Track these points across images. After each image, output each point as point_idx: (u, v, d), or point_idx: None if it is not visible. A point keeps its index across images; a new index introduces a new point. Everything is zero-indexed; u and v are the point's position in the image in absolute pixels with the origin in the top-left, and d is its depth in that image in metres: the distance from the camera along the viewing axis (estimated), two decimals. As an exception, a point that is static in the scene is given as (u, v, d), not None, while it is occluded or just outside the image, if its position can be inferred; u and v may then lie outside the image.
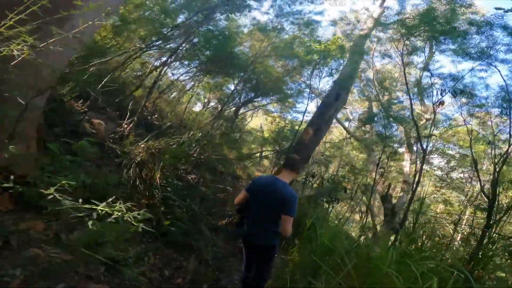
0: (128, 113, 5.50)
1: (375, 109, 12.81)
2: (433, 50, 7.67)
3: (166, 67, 10.19)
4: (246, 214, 2.48)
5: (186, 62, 10.10)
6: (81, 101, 5.51)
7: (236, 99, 12.85)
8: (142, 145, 4.87)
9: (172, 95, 11.67)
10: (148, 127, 6.96)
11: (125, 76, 8.50)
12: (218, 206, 5.22)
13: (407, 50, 5.93)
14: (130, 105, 5.53)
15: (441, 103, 5.11)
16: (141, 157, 4.47)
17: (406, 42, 5.57)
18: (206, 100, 14.83)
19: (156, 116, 8.00)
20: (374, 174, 9.98)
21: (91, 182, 3.19)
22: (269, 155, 11.83)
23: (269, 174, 2.80)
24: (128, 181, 4.08)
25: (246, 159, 10.02)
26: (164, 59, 10.31)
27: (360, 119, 12.18)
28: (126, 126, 5.62)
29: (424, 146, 6.41)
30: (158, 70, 10.56)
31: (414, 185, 4.46)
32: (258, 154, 13.68)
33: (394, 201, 9.31)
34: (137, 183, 4.11)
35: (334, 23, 11.81)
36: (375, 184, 7.19)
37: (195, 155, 5.16)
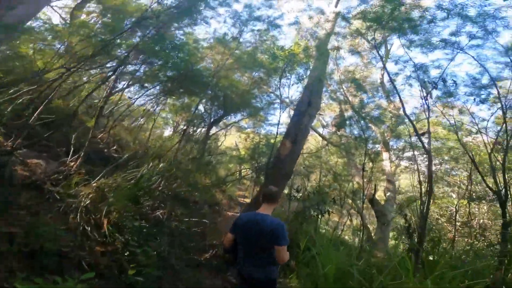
0: (72, 148, 4.60)
1: (347, 112, 12.81)
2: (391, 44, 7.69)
3: (122, 92, 9.38)
4: (235, 253, 2.47)
5: (147, 85, 9.43)
6: (12, 138, 4.53)
7: (206, 119, 12.22)
8: (94, 184, 4.03)
9: (135, 122, 10.74)
10: (105, 161, 6.04)
11: (74, 105, 7.54)
12: (197, 239, 4.43)
13: (374, 42, 5.72)
14: (73, 139, 4.63)
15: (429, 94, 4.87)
16: (91, 198, 3.63)
17: (372, 35, 5.39)
18: (175, 123, 14.02)
19: (115, 147, 7.07)
20: (358, 178, 9.74)
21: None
22: (248, 174, 11.17)
23: (250, 212, 2.40)
24: (77, 227, 3.23)
25: (221, 183, 9.24)
26: (122, 83, 9.64)
27: (334, 124, 12.07)
28: (72, 163, 4.71)
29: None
30: (115, 95, 9.75)
31: (426, 197, 3.99)
32: (237, 174, 12.96)
33: (382, 202, 9.03)
34: (88, 229, 3.26)
35: (296, 25, 11.84)
36: (364, 189, 6.80)
37: (160, 187, 4.38)
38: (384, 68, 7.32)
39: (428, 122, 4.64)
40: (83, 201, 3.58)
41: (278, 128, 7.32)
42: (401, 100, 5.20)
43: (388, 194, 9.13)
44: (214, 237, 5.09)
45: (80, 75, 8.09)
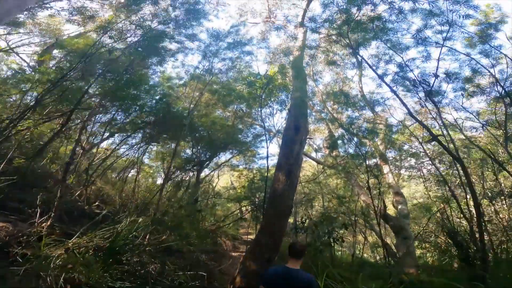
0: (39, 209, 4.00)
1: (336, 132, 12.68)
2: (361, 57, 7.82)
3: (99, 144, 8.92)
4: None
5: (126, 133, 9.04)
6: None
7: (194, 162, 11.74)
8: (67, 244, 3.38)
9: (120, 175, 10.12)
10: (87, 218, 5.35)
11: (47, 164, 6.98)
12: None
13: (350, 43, 5.60)
14: (39, 198, 4.05)
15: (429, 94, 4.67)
16: (62, 260, 2.97)
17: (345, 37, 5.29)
18: (164, 171, 13.39)
19: (96, 203, 6.40)
20: (363, 196, 9.20)
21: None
22: (248, 210, 10.43)
23: (279, 265, 2.55)
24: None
25: (220, 226, 8.50)
26: (99, 136, 9.22)
27: (326, 146, 11.83)
28: (43, 224, 4.04)
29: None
30: (95, 148, 9.24)
31: (479, 219, 3.54)
32: (237, 212, 12.15)
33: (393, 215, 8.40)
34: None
35: (266, 49, 12.09)
36: (374, 206, 6.27)
37: (146, 241, 3.76)
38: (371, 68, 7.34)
39: (444, 124, 4.33)
40: (53, 263, 2.91)
41: (267, 160, 6.88)
42: (403, 103, 4.97)
43: (399, 207, 8.55)
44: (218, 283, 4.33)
45: (50, 129, 7.68)
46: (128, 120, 8.03)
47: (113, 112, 7.67)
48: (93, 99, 7.13)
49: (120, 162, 11.37)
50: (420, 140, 7.99)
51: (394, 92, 5.26)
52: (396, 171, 10.63)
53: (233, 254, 7.23)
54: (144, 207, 6.91)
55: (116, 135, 8.63)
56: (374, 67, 5.87)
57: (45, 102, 5.66)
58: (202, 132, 10.14)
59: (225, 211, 14.18)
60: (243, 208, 14.57)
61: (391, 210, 9.65)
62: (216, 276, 4.42)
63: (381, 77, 5.66)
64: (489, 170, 7.97)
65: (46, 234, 3.67)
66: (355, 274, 4.10)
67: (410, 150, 9.79)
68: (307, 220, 5.67)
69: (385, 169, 9.90)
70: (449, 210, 9.34)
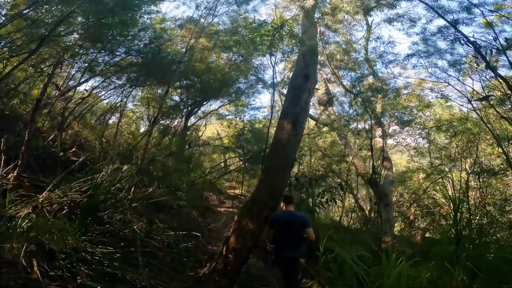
0: (2, 156, 3.42)
1: (334, 90, 12.12)
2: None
3: (76, 86, 7.94)
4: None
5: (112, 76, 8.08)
6: None
7: (182, 108, 11.05)
8: (40, 200, 2.93)
9: (100, 119, 9.34)
10: (62, 168, 4.84)
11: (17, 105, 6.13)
12: (190, 254, 3.49)
13: None
14: (2, 142, 3.44)
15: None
16: (31, 220, 2.56)
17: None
18: (150, 117, 12.64)
19: (73, 150, 5.82)
20: (353, 158, 9.16)
21: None
22: (235, 163, 10.25)
23: (280, 211, 3.44)
24: (16, 261, 2.17)
25: (209, 178, 8.28)
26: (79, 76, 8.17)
27: (321, 103, 11.36)
28: (9, 175, 3.52)
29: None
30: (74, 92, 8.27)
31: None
32: (223, 165, 11.99)
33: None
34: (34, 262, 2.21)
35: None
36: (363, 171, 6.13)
37: (130, 195, 3.37)
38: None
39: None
40: (18, 227, 2.50)
41: (272, 106, 6.21)
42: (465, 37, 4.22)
43: (386, 172, 8.60)
44: (212, 244, 4.18)
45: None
46: (112, 63, 7.05)
47: (94, 53, 6.62)
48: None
49: (101, 106, 10.52)
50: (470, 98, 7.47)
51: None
52: (389, 136, 10.49)
53: (219, 209, 7.14)
54: (128, 153, 6.42)
55: (98, 77, 7.64)
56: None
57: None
58: (194, 78, 9.32)
59: (210, 163, 14.04)
60: (229, 161, 14.43)
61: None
62: (205, 235, 4.24)
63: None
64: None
65: (12, 188, 3.18)
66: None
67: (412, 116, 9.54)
68: (302, 177, 5.44)
69: (378, 132, 9.74)
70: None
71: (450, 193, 9.78)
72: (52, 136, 5.76)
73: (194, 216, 4.93)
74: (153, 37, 7.51)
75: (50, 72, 5.25)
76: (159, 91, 10.21)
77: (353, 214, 9.37)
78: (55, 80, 7.21)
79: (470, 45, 4.79)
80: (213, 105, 12.86)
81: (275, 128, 4.76)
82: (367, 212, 9.75)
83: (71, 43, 6.04)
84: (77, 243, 2.31)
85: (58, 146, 5.16)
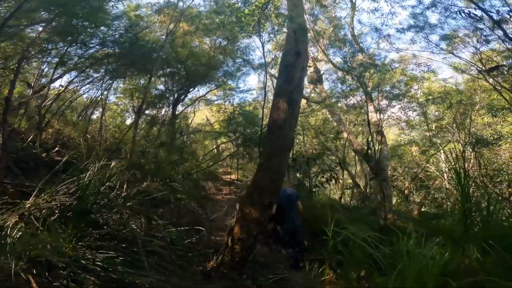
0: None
1: (321, 68, 11.93)
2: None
3: (52, 83, 7.41)
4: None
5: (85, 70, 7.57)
6: None
7: (169, 97, 10.68)
8: (27, 206, 2.69)
9: (82, 115, 8.86)
10: (46, 169, 4.53)
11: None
12: (194, 249, 3.37)
13: None
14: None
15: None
16: (19, 230, 2.34)
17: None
18: (135, 109, 12.15)
19: (56, 149, 5.48)
20: (347, 134, 9.15)
21: None
22: (228, 148, 10.07)
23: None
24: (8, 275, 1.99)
25: (203, 165, 8.09)
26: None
27: (310, 81, 11.19)
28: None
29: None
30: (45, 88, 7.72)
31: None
32: (216, 151, 11.79)
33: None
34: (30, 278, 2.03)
35: None
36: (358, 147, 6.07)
37: (124, 192, 3.17)
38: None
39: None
40: (9, 238, 2.28)
41: (265, 88, 5.93)
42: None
43: (380, 147, 8.64)
44: (215, 235, 4.08)
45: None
46: (86, 55, 6.59)
47: (65, 47, 6.14)
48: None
49: (81, 101, 9.99)
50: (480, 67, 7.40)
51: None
52: (380, 111, 10.49)
53: (217, 197, 7.02)
54: (116, 148, 6.12)
55: (73, 72, 7.14)
56: None
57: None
58: (177, 65, 8.90)
59: (203, 150, 13.83)
60: (222, 146, 14.22)
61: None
62: (207, 226, 4.12)
63: None
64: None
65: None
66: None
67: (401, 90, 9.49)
68: (299, 157, 5.31)
69: (370, 108, 9.71)
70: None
71: (443, 165, 10.02)
72: (32, 136, 5.39)
73: (193, 208, 4.78)
74: (128, 25, 7.05)
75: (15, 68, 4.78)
76: (142, 81, 9.79)
77: (350, 191, 9.49)
78: (26, 78, 6.71)
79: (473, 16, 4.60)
80: (200, 91, 12.52)
81: (269, 109, 4.57)
82: (362, 188, 9.88)
83: (35, 37, 5.56)
84: (75, 251, 2.14)
85: (38, 146, 4.81)
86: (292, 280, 3.19)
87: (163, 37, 7.93)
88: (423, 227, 4.17)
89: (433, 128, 10.50)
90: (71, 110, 8.74)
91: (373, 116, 9.23)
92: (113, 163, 3.25)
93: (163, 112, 10.47)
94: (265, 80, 5.60)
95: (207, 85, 11.81)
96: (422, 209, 8.93)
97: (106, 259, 2.14)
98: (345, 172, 11.59)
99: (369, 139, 8.69)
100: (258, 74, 14.16)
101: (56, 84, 7.85)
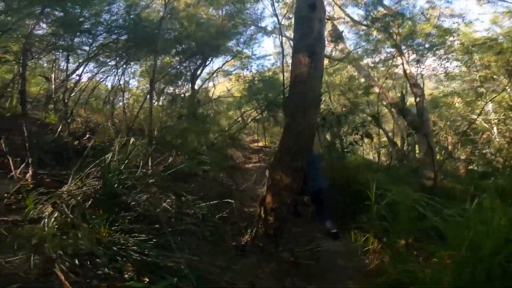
0: (9, 157, 3.21)
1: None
2: None
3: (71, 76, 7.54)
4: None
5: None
6: None
7: (186, 72, 10.62)
8: (58, 194, 2.76)
9: (104, 102, 9.05)
10: (80, 156, 4.69)
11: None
12: (229, 221, 3.31)
13: None
14: (3, 143, 3.20)
15: None
16: (56, 219, 2.39)
17: None
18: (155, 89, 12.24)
19: (86, 137, 5.63)
20: (377, 89, 8.38)
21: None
22: (252, 115, 9.87)
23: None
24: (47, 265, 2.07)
25: (229, 133, 8.01)
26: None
27: (331, 40, 10.29)
28: (27, 176, 3.36)
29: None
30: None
31: None
32: (240, 120, 11.71)
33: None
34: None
35: None
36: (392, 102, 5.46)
37: (150, 170, 3.12)
38: None
39: None
40: (46, 226, 2.34)
41: (282, 47, 5.40)
42: None
43: (418, 99, 7.83)
44: (247, 205, 4.01)
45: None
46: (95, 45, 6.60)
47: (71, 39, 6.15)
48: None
49: (102, 87, 10.26)
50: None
51: None
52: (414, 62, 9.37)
53: (247, 166, 6.94)
54: (132, 125, 6.16)
55: (90, 62, 7.26)
56: None
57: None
58: (187, 41, 8.62)
59: (228, 121, 13.82)
60: (246, 114, 14.09)
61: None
62: (238, 197, 4.05)
63: None
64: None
65: (31, 187, 3.01)
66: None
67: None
68: (329, 115, 4.89)
69: (400, 60, 8.72)
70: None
71: (492, 117, 8.92)
72: (61, 127, 5.57)
73: (221, 179, 4.72)
74: (128, 7, 6.84)
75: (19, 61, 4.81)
76: (159, 62, 9.76)
77: (385, 150, 8.92)
78: (43, 73, 6.88)
79: None
80: (216, 63, 12.35)
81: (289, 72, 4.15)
82: (399, 146, 9.22)
83: (30, 30, 5.55)
84: (110, 236, 2.13)
85: (68, 136, 4.94)
86: (331, 250, 3.04)
87: (168, 15, 7.66)
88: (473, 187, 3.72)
89: (477, 78, 9.25)
90: (95, 98, 8.94)
91: (407, 68, 8.30)
92: (132, 140, 3.15)
93: (182, 89, 10.50)
94: (280, 39, 5.07)
95: (222, 56, 11.58)
96: (469, 167, 8.16)
97: (139, 242, 2.10)
98: (379, 131, 10.93)
99: (404, 92, 7.92)
100: (273, 38, 13.47)
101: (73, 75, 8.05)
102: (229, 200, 3.09)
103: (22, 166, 3.22)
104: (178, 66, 10.34)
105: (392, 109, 8.69)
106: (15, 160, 3.59)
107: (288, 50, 10.33)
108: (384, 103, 9.11)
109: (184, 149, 4.64)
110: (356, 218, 3.25)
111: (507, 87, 7.96)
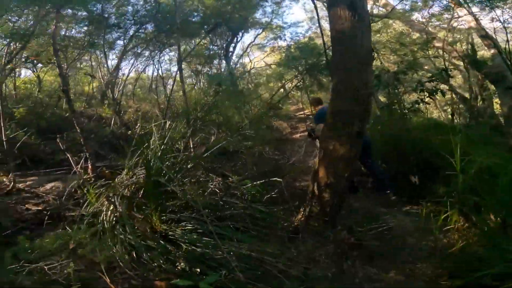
0: (68, 155, 3.45)
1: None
2: None
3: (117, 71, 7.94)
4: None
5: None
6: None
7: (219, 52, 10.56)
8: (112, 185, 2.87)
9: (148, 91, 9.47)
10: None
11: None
12: (279, 201, 3.10)
13: None
14: (60, 141, 3.42)
15: None
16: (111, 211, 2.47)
17: None
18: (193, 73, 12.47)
19: (137, 126, 5.92)
20: (437, 42, 7.04)
21: None
22: (294, 84, 9.33)
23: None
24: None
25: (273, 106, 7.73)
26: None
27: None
28: (88, 171, 3.61)
29: None
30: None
31: None
32: (282, 90, 11.31)
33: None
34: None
35: None
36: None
37: (192, 150, 3.05)
38: None
39: None
40: (106, 221, 2.42)
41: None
42: None
43: (491, 51, 6.38)
44: (299, 180, 3.76)
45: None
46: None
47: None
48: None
49: (145, 78, 10.78)
50: None
51: None
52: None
53: (294, 137, 6.58)
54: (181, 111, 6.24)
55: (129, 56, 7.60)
56: None
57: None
58: (213, 19, 8.32)
59: (270, 92, 13.56)
60: (288, 85, 13.62)
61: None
62: (286, 172, 3.80)
63: None
64: None
65: (93, 180, 3.22)
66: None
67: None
68: (384, 74, 4.20)
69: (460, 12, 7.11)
70: None
71: None
72: (113, 119, 5.95)
73: (268, 154, 4.49)
74: None
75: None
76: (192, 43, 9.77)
77: (454, 107, 7.58)
78: (87, 71, 7.35)
79: None
80: (249, 38, 12.05)
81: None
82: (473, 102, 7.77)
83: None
84: (161, 227, 2.12)
85: (120, 126, 5.23)
86: (399, 228, 2.64)
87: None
88: None
89: None
90: (140, 89, 9.39)
91: (470, 20, 6.72)
92: (167, 122, 3.06)
93: (218, 68, 10.46)
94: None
95: (253, 30, 11.13)
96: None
97: (188, 232, 2.04)
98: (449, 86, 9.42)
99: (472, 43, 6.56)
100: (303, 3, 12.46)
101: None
102: (277, 179, 2.83)
103: (81, 161, 3.46)
104: (210, 46, 10.30)
105: (462, 62, 7.27)
106: (79, 156, 3.90)
107: (322, 13, 9.36)
108: (450, 56, 7.71)
109: (225, 126, 4.49)
110: (427, 190, 2.74)
111: None
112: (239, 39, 11.18)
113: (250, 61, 14.67)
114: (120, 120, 5.85)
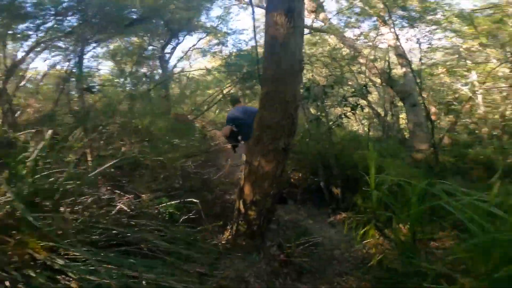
0: None
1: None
2: None
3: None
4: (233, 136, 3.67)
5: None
6: None
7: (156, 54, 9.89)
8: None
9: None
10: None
11: None
12: (207, 216, 2.76)
13: None
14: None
15: None
16: None
17: None
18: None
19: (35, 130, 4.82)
20: (362, 59, 7.89)
21: None
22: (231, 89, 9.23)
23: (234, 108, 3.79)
24: None
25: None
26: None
27: (310, 10, 9.65)
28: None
29: None
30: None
31: None
32: (219, 96, 11.09)
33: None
34: None
35: None
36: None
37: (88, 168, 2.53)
38: None
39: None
40: None
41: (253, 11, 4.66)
42: None
43: (403, 69, 7.44)
44: (231, 192, 3.47)
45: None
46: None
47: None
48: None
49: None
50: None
51: None
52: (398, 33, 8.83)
53: (227, 146, 6.32)
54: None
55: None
56: None
57: None
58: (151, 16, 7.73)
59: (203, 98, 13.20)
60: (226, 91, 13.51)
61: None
62: (213, 186, 3.50)
63: None
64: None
65: None
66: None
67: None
68: (313, 86, 4.34)
69: (384, 30, 8.21)
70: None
71: (476, 85, 8.77)
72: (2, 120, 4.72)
73: (191, 167, 4.05)
74: None
75: None
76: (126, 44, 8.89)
77: (370, 121, 8.62)
78: None
79: None
80: (190, 42, 11.59)
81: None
82: (385, 117, 8.94)
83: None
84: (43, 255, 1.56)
85: (8, 129, 4.17)
86: (326, 241, 2.63)
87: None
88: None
89: (462, 49, 8.98)
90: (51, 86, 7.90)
91: (391, 39, 7.80)
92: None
93: (151, 70, 9.70)
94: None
95: (195, 33, 10.71)
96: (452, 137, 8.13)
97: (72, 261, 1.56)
98: (367, 102, 10.63)
99: (389, 61, 7.50)
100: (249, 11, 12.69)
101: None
102: (193, 200, 2.52)
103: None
104: (147, 46, 9.54)
105: (378, 79, 8.28)
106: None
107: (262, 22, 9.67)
108: (369, 73, 8.71)
109: (143, 134, 3.95)
110: (349, 202, 2.83)
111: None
112: (180, 41, 10.59)
113: (190, 65, 14.13)
114: (11, 121, 4.67)
